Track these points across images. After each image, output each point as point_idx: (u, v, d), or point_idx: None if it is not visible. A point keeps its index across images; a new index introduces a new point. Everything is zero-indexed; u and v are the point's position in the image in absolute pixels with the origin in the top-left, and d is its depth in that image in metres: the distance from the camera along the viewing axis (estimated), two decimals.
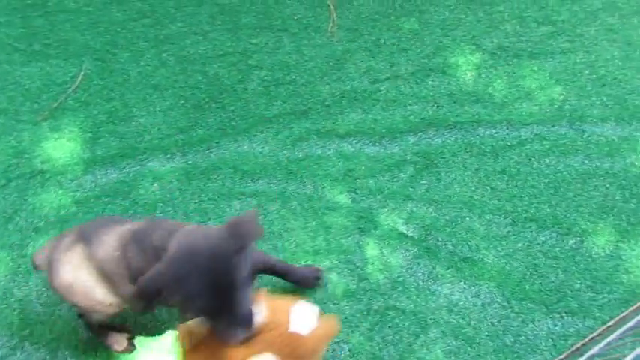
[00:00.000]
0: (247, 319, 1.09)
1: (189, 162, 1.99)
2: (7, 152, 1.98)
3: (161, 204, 1.90)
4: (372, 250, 1.84)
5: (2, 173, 1.93)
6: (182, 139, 2.05)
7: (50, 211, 1.84)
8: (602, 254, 1.87)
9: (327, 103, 2.20)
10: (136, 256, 1.22)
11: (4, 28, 2.35)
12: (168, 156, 2.00)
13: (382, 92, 2.25)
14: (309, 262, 1.80)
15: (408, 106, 2.21)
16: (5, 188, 1.90)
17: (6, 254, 1.77)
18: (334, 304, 1.72)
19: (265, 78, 2.26)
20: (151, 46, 2.32)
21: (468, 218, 1.94)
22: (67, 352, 1.62)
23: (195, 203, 1.91)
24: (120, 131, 2.05)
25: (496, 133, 2.16)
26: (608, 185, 2.03)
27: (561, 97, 2.28)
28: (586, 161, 2.09)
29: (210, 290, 1.03)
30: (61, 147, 2.00)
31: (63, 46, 2.28)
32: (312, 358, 1.19)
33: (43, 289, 1.71)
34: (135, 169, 1.96)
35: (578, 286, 1.81)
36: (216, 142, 2.05)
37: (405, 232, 1.89)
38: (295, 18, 2.48)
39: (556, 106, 2.25)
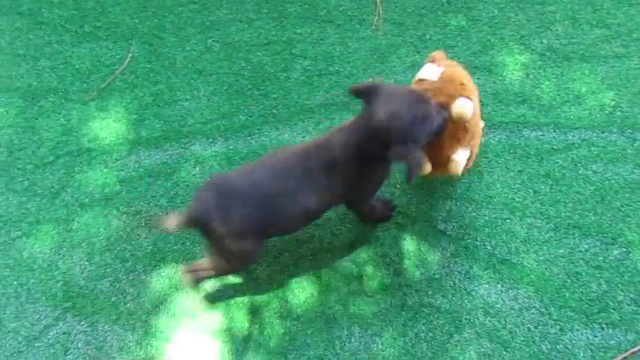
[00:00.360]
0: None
1: (231, 147, 2.01)
2: (56, 130, 2.04)
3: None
4: (408, 245, 1.83)
5: (50, 150, 1.99)
6: (224, 124, 2.07)
7: (95, 189, 1.89)
8: None
9: None
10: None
11: (56, 9, 2.41)
12: (211, 140, 2.02)
13: None
14: (344, 253, 1.79)
15: None
16: (53, 164, 1.95)
17: (52, 228, 1.83)
18: (368, 296, 1.71)
19: (308, 68, 2.26)
20: (197, 32, 2.34)
21: (508, 220, 1.89)
22: (106, 327, 1.66)
23: None
24: (164, 114, 2.09)
25: (542, 135, 2.10)
26: None
27: (613, 103, 2.20)
28: (636, 170, 2.02)
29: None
30: (108, 127, 2.05)
31: (112, 29, 2.33)
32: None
33: (87, 263, 1.76)
34: (178, 151, 1.99)
35: (621, 298, 1.75)
36: (258, 129, 2.06)
37: (443, 229, 1.87)
38: (341, 9, 2.47)
39: (607, 111, 2.18)
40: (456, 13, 2.49)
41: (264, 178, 1.44)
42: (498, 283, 1.76)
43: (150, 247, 1.80)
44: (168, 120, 2.07)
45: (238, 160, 1.98)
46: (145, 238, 1.82)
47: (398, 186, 1.96)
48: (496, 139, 2.08)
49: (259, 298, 1.72)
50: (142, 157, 1.97)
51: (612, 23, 2.47)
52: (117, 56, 2.25)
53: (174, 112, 2.09)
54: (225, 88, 2.17)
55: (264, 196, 1.43)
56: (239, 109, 2.11)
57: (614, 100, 2.21)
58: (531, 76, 2.27)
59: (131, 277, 1.75)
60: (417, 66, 2.25)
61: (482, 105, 2.16)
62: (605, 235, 1.87)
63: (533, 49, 2.37)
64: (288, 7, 2.46)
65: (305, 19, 2.42)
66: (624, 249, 1.84)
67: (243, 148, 2.01)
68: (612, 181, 1.99)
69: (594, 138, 2.10)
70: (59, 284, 1.73)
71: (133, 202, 1.86)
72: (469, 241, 1.84)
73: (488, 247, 1.83)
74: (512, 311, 1.71)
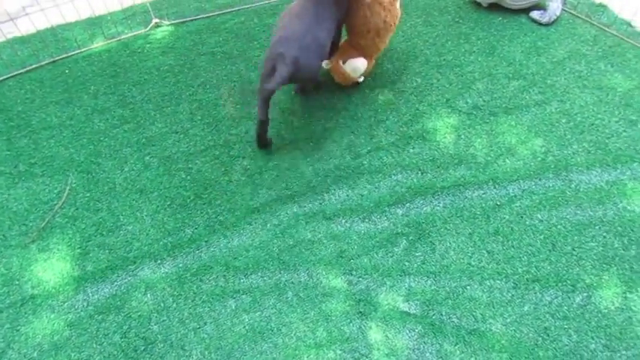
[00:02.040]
0: None
1: (180, 265, 1.97)
2: None
3: (155, 314, 1.85)
4: (375, 334, 1.78)
5: None
6: (171, 241, 2.04)
7: (43, 339, 1.80)
8: (612, 308, 1.81)
9: (312, 184, 2.21)
10: None
11: None
12: (159, 262, 1.98)
13: (365, 166, 2.27)
14: (311, 356, 1.73)
15: (393, 177, 2.22)
16: None
17: None
18: None
19: (248, 167, 2.29)
20: (134, 151, 2.36)
21: (468, 287, 1.89)
22: None
23: (190, 308, 1.86)
24: (109, 242, 2.04)
25: (484, 193, 2.15)
26: (605, 234, 2.00)
27: (543, 149, 2.30)
28: (578, 211, 2.07)
29: None
30: (51, 268, 1.98)
31: (47, 163, 2.32)
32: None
33: None
34: (126, 280, 1.94)
35: (593, 346, 1.74)
36: (206, 241, 2.03)
37: (406, 310, 1.84)
38: (272, 103, 2.54)
39: (539, 158, 2.27)
40: (382, 88, 2.60)
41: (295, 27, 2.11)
42: (472, 356, 1.73)
43: None
44: (114, 248, 2.03)
45: (189, 278, 1.93)
46: None
47: (354, 272, 1.94)
48: (441, 205, 2.12)
49: None
50: (90, 294, 1.90)
51: (527, 73, 2.63)
52: (55, 191, 2.22)
53: (119, 239, 2.05)
54: (168, 203, 2.16)
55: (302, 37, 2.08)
56: (184, 224, 2.09)
57: (543, 145, 2.31)
58: (463, 137, 2.36)
59: None
60: (353, 147, 2.32)
61: (422, 173, 2.23)
62: (564, 283, 1.88)
63: (460, 110, 2.48)
64: (220, 111, 2.52)
65: (239, 119, 2.48)
66: (585, 294, 1.85)
67: (193, 264, 1.97)
68: (559, 227, 2.04)
69: (533, 186, 2.17)
70: None
71: (84, 346, 1.77)
72: (434, 317, 1.82)
73: (455, 320, 1.81)
74: None
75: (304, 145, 2.35)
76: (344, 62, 2.38)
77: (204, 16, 3.04)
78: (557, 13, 2.89)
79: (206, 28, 2.96)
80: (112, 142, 2.41)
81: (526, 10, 2.94)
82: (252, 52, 2.81)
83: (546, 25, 2.86)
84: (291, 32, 2.09)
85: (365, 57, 2.40)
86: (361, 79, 2.54)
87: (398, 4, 2.42)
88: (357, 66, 2.39)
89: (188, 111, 2.53)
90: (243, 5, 3.09)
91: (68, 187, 2.24)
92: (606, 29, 2.85)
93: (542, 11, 2.90)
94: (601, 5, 2.99)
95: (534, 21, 2.90)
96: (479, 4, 3.02)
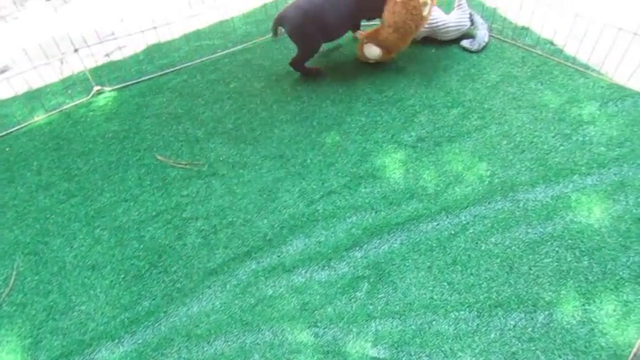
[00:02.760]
0: None
1: (140, 341, 1.90)
2: None
3: None
4: None
5: None
6: (128, 317, 1.96)
7: None
8: (574, 322, 1.84)
9: (268, 237, 2.20)
10: None
11: None
12: (117, 341, 1.90)
13: (320, 212, 2.27)
14: None
15: (348, 220, 2.23)
16: None
17: None
18: None
19: (203, 228, 2.25)
20: (83, 225, 2.29)
21: (434, 322, 1.89)
22: None
23: None
24: (62, 326, 1.95)
25: (438, 224, 2.19)
26: (557, 249, 2.06)
27: (489, 173, 2.37)
28: (529, 230, 2.13)
29: None
30: None
31: None
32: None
33: None
34: None
35: None
36: (164, 312, 1.97)
37: (376, 355, 1.82)
38: (221, 159, 2.54)
39: (486, 182, 2.33)
40: (328, 131, 2.65)
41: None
42: None
43: None
44: (67, 332, 1.94)
45: (150, 354, 1.86)
46: None
47: (319, 324, 1.91)
48: (397, 242, 2.13)
49: None
50: None
51: (464, 100, 2.74)
52: (0, 278, 2.12)
53: (73, 321, 1.97)
54: (122, 276, 2.10)
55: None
56: (141, 296, 2.03)
57: (488, 169, 2.38)
58: (411, 170, 2.41)
59: None
60: (305, 194, 2.33)
61: (375, 212, 2.25)
62: (525, 304, 1.91)
63: (405, 144, 2.54)
64: (170, 173, 2.50)
65: (189, 179, 2.46)
66: (547, 312, 1.88)
67: (152, 338, 1.90)
68: (513, 248, 2.08)
69: (484, 211, 2.22)
70: None
71: None
72: (404, 358, 1.80)
73: (425, 358, 1.80)
74: None
75: (257, 199, 2.35)
76: (366, 43, 2.87)
77: (146, 78, 3.05)
78: (486, 40, 3.04)
79: (149, 90, 2.97)
80: (59, 219, 2.34)
81: (456, 41, 3.08)
82: (198, 110, 2.82)
83: (477, 52, 3.00)
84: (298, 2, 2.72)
85: (382, 48, 2.84)
86: (372, 61, 2.98)
87: (426, 11, 2.68)
88: (371, 52, 2.89)
89: (136, 177, 2.49)
90: (185, 64, 3.12)
91: (15, 272, 2.14)
92: (532, 50, 3.01)
93: (471, 40, 3.05)
94: (524, 28, 3.17)
95: (465, 49, 3.04)
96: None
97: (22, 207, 2.41)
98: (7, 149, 2.74)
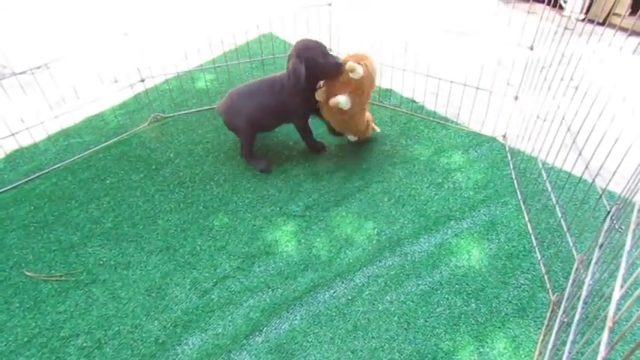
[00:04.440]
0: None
1: None
2: None
3: None
4: None
5: None
6: None
7: None
8: None
9: (160, 340, 2.04)
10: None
11: None
12: None
13: (214, 301, 2.18)
14: None
15: (244, 304, 2.16)
16: None
17: None
18: None
19: (85, 345, 2.04)
20: None
21: None
22: None
23: None
24: None
25: (334, 292, 2.19)
26: (447, 295, 2.15)
27: (376, 231, 2.45)
28: (420, 281, 2.21)
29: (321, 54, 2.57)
30: None
31: None
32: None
33: None
34: None
35: None
36: None
37: None
38: (101, 263, 2.37)
39: (374, 240, 2.41)
40: (216, 213, 2.60)
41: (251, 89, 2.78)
42: None
43: None
44: None
45: None
46: None
47: None
48: (297, 317, 2.09)
49: None
50: None
51: (345, 164, 2.86)
52: None
53: None
54: None
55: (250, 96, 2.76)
56: None
57: (375, 227, 2.47)
58: (303, 241, 2.43)
59: None
60: (197, 284, 2.23)
61: (272, 290, 2.20)
62: (425, 357, 1.94)
63: (294, 215, 2.56)
64: (42, 289, 2.26)
65: (66, 292, 2.24)
66: None
67: None
68: (408, 303, 2.14)
69: (376, 270, 2.27)
70: None
71: None
72: None
73: None
74: None
75: (145, 299, 2.19)
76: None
77: (9, 187, 2.81)
78: None
79: (13, 200, 2.72)
80: None
81: None
82: (71, 213, 2.63)
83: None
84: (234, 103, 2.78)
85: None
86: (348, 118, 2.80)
87: (346, 105, 2.61)
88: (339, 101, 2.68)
89: (2, 300, 2.22)
90: (53, 165, 2.93)
91: None
92: (398, 109, 3.27)
93: None
94: (388, 90, 3.45)
95: None
96: None
97: None
98: None
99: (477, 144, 2.97)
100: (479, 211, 2.53)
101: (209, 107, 3.38)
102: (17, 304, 2.20)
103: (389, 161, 2.87)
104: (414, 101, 3.34)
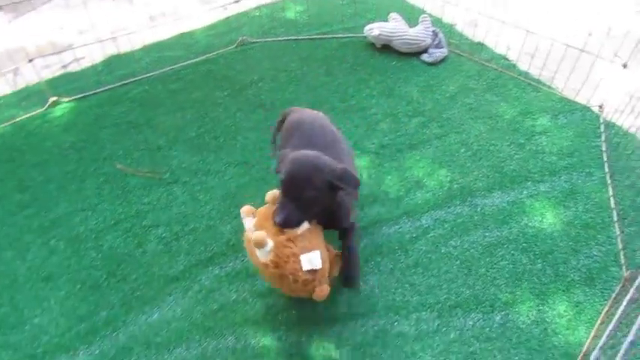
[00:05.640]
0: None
1: (97, 352, 1.83)
2: None
3: None
4: None
5: None
6: (84, 328, 1.90)
7: None
8: (529, 322, 1.90)
9: (231, 242, 2.18)
10: None
11: None
12: (72, 353, 1.83)
13: None
14: None
15: None
16: None
17: None
18: None
19: (164, 235, 2.21)
20: (37, 236, 2.21)
21: (396, 323, 1.91)
22: None
23: None
24: (12, 341, 1.87)
25: (400, 228, 2.23)
26: (513, 252, 2.13)
27: (448, 179, 2.44)
28: (487, 233, 2.20)
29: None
30: None
31: None
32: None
33: None
34: None
35: None
36: (123, 321, 1.92)
37: (338, 358, 1.82)
38: (183, 166, 2.52)
39: (446, 187, 2.40)
40: None
41: None
42: None
43: None
44: (19, 346, 1.85)
45: None
46: None
47: (282, 327, 1.90)
48: (361, 244, 2.16)
49: None
50: None
51: (425, 110, 2.82)
52: None
53: (25, 335, 1.88)
54: (79, 287, 2.03)
55: None
56: (98, 306, 1.96)
57: (448, 175, 2.45)
58: (374, 176, 2.46)
59: None
60: None
61: None
62: (483, 305, 1.96)
63: (368, 151, 2.59)
64: (130, 181, 2.45)
65: (150, 187, 2.42)
66: (503, 312, 1.93)
67: (110, 349, 1.84)
68: (472, 251, 2.14)
69: (444, 215, 2.28)
70: None
71: None
72: (367, 359, 1.81)
73: (385, 359, 1.81)
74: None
75: (220, 205, 2.33)
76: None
77: (105, 88, 3.00)
78: (445, 53, 3.16)
79: (108, 101, 2.92)
80: (11, 231, 2.25)
81: (417, 54, 3.19)
82: (159, 119, 2.79)
83: (433, 64, 3.11)
84: None
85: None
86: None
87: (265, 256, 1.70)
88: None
89: (95, 186, 2.43)
90: (145, 74, 3.09)
91: None
92: (487, 64, 3.14)
93: (429, 53, 3.16)
94: (479, 44, 3.31)
95: (424, 62, 3.15)
96: (374, 51, 3.23)
97: None
98: None
99: (568, 111, 2.82)
100: (559, 177, 2.43)
101: (295, 38, 3.39)
102: (107, 192, 2.41)
103: (471, 114, 2.79)
104: (506, 58, 3.19)
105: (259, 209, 1.81)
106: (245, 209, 1.80)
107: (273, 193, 1.81)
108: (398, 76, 3.06)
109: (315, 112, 2.12)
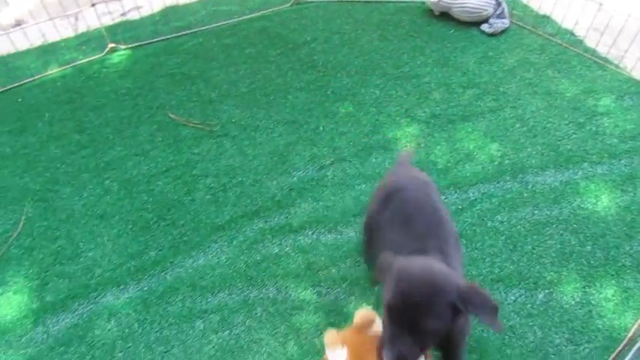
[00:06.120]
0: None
1: (145, 289, 1.92)
2: None
3: (120, 340, 1.79)
4: None
5: None
6: (134, 265, 1.99)
7: None
8: (573, 303, 1.86)
9: (276, 198, 2.21)
10: None
11: None
12: (122, 287, 1.92)
13: (329, 178, 2.28)
14: None
15: (357, 187, 2.24)
16: None
17: None
18: None
19: (212, 185, 2.27)
20: (93, 176, 2.31)
21: None
22: None
23: (157, 332, 1.81)
24: (68, 271, 1.98)
25: (446, 198, 2.20)
26: (562, 232, 2.07)
27: (500, 154, 2.37)
28: (536, 211, 2.14)
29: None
30: (7, 301, 1.90)
31: (1, 194, 2.24)
32: None
33: None
34: (88, 308, 1.87)
35: (558, 341, 1.78)
36: (171, 262, 1.99)
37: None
38: (234, 121, 2.55)
39: (496, 162, 2.34)
40: (342, 101, 2.65)
41: None
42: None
43: None
44: (74, 276, 1.96)
45: (155, 301, 1.88)
46: None
47: (322, 284, 1.94)
48: None
49: None
50: (50, 326, 1.83)
51: (480, 82, 2.73)
52: (9, 222, 2.15)
53: (79, 266, 1.99)
54: (130, 227, 2.12)
55: None
56: (148, 246, 2.05)
57: (499, 150, 2.39)
58: (423, 145, 2.42)
59: None
60: (316, 159, 2.34)
61: None
62: (526, 281, 1.93)
63: (418, 119, 2.54)
64: (181, 131, 2.50)
65: (200, 138, 2.47)
66: (547, 290, 1.90)
67: (158, 287, 1.92)
68: (519, 227, 2.09)
69: (492, 189, 2.23)
70: None
71: None
72: None
73: None
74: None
75: (268, 160, 2.36)
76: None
77: (161, 38, 3.04)
78: (506, 25, 3.02)
79: (164, 51, 2.96)
80: (70, 169, 2.35)
81: (477, 23, 3.07)
82: (212, 72, 2.81)
83: (492, 35, 2.99)
84: None
85: None
86: None
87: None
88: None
89: (148, 133, 2.50)
90: (201, 27, 3.11)
91: (24, 217, 2.16)
92: (551, 39, 2.99)
93: (490, 23, 3.03)
94: (545, 16, 3.14)
95: (484, 33, 3.03)
96: (431, 17, 3.13)
97: (33, 156, 2.42)
98: (20, 100, 2.75)
99: (635, 92, 2.67)
100: (619, 160, 2.33)
101: (351, 0, 3.32)
102: (160, 139, 2.47)
103: (529, 90, 2.68)
104: (572, 34, 3.02)
105: (346, 334, 1.40)
106: (330, 338, 1.38)
107: (368, 316, 1.42)
108: (455, 45, 2.96)
109: (419, 174, 1.68)
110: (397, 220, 1.47)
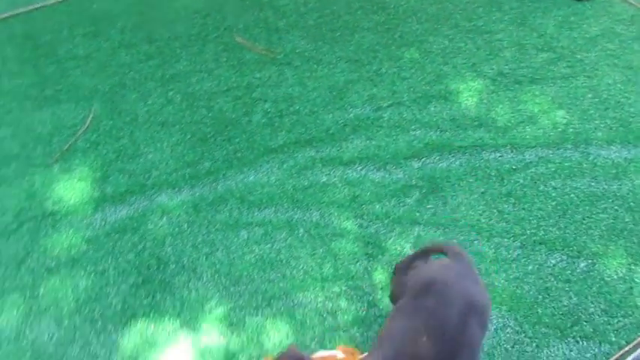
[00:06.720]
0: None
1: (197, 194, 2.02)
2: (20, 196, 2.02)
3: (170, 237, 1.91)
4: (380, 275, 1.83)
5: (14, 217, 1.96)
6: (189, 172, 2.08)
7: (61, 252, 1.87)
8: (615, 277, 1.83)
9: (330, 131, 2.24)
10: None
11: (16, 78, 2.44)
12: (176, 190, 2.03)
13: (385, 119, 2.28)
14: (317, 289, 1.78)
15: (411, 132, 2.23)
16: (17, 232, 1.92)
17: (18, 296, 1.78)
18: (344, 331, 1.69)
19: (269, 110, 2.31)
20: (158, 86, 2.39)
21: (476, 242, 1.92)
22: None
23: (204, 235, 1.92)
24: (129, 169, 2.10)
25: (500, 156, 2.16)
26: (617, 208, 2.01)
27: (565, 121, 2.29)
28: (593, 184, 2.08)
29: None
30: (72, 187, 2.04)
31: (73, 91, 2.36)
32: None
33: (55, 328, 1.71)
34: (144, 204, 1.99)
35: (592, 309, 1.77)
36: (223, 174, 2.08)
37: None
38: (297, 51, 2.55)
39: (560, 129, 2.26)
40: (408, 46, 2.59)
41: None
42: None
43: (119, 305, 1.77)
44: (133, 174, 2.08)
45: (205, 207, 1.98)
46: (114, 296, 1.78)
47: (365, 217, 1.98)
48: (457, 162, 2.13)
49: (234, 343, 1.69)
50: (108, 214, 1.96)
51: (557, 46, 2.60)
52: (79, 117, 2.27)
53: (139, 166, 2.10)
54: (189, 137, 2.20)
55: None
56: (203, 157, 2.13)
57: (565, 117, 2.30)
58: (485, 101, 2.36)
59: (102, 339, 1.70)
60: (374, 99, 2.33)
61: (441, 131, 2.24)
62: (570, 248, 1.90)
63: (484, 75, 2.47)
64: (245, 54, 2.53)
65: (263, 64, 2.50)
66: (590, 261, 1.87)
67: (209, 195, 2.02)
68: (572, 196, 2.05)
69: (550, 155, 2.17)
70: (28, 354, 1.67)
71: (100, 261, 1.84)
72: None
73: None
74: (487, 333, 1.71)
75: (326, 94, 2.37)
76: None
77: None
78: None
79: None
80: (137, 76, 2.44)
81: None
82: (281, 1, 2.80)
83: (581, 0, 2.81)
84: None
85: None
86: None
87: None
88: None
89: (213, 52, 2.55)
90: None
91: (92, 114, 2.28)
92: None
93: None
94: None
95: None
96: None
97: (104, 60, 2.52)
98: (94, 6, 2.83)
99: None
100: None
101: None
102: (224, 60, 2.51)
103: (609, 61, 2.54)
104: None
105: None
106: None
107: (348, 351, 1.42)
108: (536, 5, 2.81)
109: (463, 266, 1.39)
110: (418, 330, 1.26)
